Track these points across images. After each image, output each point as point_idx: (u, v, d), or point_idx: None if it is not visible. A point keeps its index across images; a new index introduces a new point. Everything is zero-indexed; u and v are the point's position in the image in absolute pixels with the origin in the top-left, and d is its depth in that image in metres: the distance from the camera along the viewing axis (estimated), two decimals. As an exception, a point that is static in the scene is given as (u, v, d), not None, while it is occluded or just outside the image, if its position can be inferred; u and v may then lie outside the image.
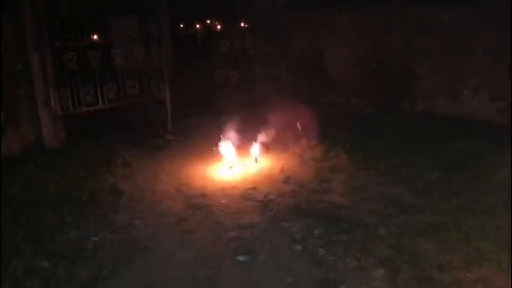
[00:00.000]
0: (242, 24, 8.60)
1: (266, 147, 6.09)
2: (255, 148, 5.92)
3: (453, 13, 6.77)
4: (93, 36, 6.87)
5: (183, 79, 7.59)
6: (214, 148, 5.88)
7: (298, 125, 6.43)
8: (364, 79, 7.70)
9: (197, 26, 9.96)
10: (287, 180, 5.22)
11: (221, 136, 6.04)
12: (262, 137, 6.24)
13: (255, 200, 4.78)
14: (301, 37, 8.54)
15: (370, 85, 7.58)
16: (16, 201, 4.85)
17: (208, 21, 9.46)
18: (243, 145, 6.00)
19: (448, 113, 6.99)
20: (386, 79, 7.40)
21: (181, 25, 10.31)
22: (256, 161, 5.75)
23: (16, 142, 6.34)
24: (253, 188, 5.04)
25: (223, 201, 4.81)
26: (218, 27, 8.49)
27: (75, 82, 6.61)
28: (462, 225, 3.94)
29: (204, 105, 7.69)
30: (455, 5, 6.74)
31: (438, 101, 7.12)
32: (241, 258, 3.74)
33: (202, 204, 4.75)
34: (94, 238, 4.14)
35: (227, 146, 5.82)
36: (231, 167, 5.62)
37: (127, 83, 7.10)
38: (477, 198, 4.46)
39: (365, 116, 7.45)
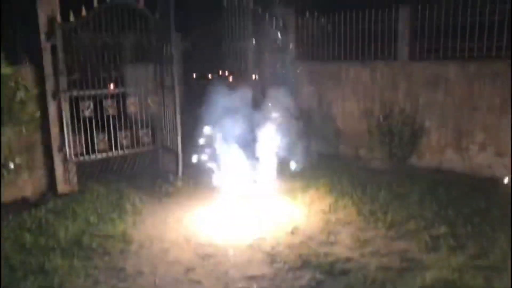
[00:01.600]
0: (253, 76, 8.90)
1: (274, 195, 6.19)
2: (263, 195, 6.01)
3: (458, 69, 6.98)
4: (109, 85, 7.13)
5: (194, 127, 7.77)
6: (223, 197, 5.98)
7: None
8: (371, 132, 7.84)
9: (209, 76, 10.31)
10: (295, 231, 5.26)
11: (230, 184, 6.14)
12: (270, 184, 6.34)
13: (263, 251, 4.82)
14: (310, 89, 8.77)
15: (377, 138, 7.71)
16: (27, 246, 4.93)
17: (220, 72, 9.79)
18: (252, 193, 6.11)
19: (455, 167, 7.07)
20: (393, 132, 7.53)
21: (194, 75, 10.68)
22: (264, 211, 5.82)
23: (29, 186, 6.49)
24: (261, 239, 5.09)
25: (231, 251, 4.85)
26: (230, 78, 8.77)
27: (90, 129, 6.82)
28: (470, 283, 3.95)
29: (216, 153, 7.83)
30: (461, 62, 6.96)
31: (445, 155, 7.21)
32: (249, 310, 3.75)
33: (210, 254, 4.80)
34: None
35: (236, 195, 5.92)
36: (240, 215, 5.69)
37: (140, 130, 7.31)
38: (484, 254, 4.47)
39: (373, 169, 7.54)
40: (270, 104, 8.36)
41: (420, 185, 6.47)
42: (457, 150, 7.10)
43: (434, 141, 7.34)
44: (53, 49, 6.38)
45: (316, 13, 8.70)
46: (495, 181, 6.46)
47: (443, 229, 5.05)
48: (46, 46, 6.35)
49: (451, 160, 7.16)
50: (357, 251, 4.75)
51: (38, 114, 6.11)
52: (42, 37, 6.33)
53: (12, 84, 5.61)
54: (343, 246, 4.87)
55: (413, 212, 5.57)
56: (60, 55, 6.41)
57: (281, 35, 8.93)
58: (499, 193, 6.04)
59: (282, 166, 7.06)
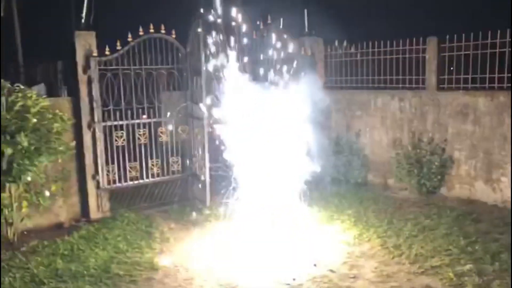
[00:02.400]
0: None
1: (299, 225, 6.23)
2: (288, 225, 6.07)
3: (488, 100, 6.91)
4: (142, 115, 7.41)
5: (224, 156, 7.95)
6: (248, 226, 6.07)
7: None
8: (400, 161, 7.81)
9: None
10: (318, 263, 5.29)
11: (255, 212, 6.23)
12: (295, 213, 6.40)
13: (284, 283, 4.87)
14: (338, 118, 8.84)
15: (406, 168, 7.66)
16: (59, 272, 5.15)
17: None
18: (277, 222, 6.17)
19: (485, 199, 6.95)
20: (422, 162, 7.48)
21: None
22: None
23: (64, 212, 6.79)
24: (284, 270, 5.13)
25: (253, 282, 4.93)
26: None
27: (122, 157, 7.09)
28: (493, 324, 3.88)
29: (244, 181, 7.96)
30: (490, 92, 6.90)
31: (475, 186, 7.10)
32: None
33: (232, 285, 4.88)
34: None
35: (261, 224, 6.00)
36: (263, 245, 5.76)
37: (170, 158, 7.54)
38: (510, 294, 4.38)
39: (401, 199, 7.48)
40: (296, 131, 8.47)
41: (448, 218, 6.38)
42: (488, 181, 6.98)
43: (464, 171, 7.24)
44: (89, 81, 6.74)
45: (345, 42, 8.81)
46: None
47: (468, 266, 4.96)
48: (82, 78, 6.71)
49: (482, 191, 7.04)
50: (379, 286, 4.73)
51: (73, 144, 6.42)
52: (79, 70, 6.69)
53: (50, 115, 5.93)
54: (365, 281, 4.86)
55: (439, 246, 5.49)
56: (96, 87, 6.75)
57: (310, 63, 9.06)
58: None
59: (309, 194, 7.09)
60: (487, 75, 6.95)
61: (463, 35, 7.15)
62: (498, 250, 5.30)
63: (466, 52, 7.14)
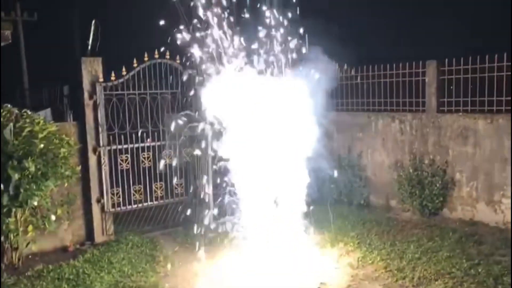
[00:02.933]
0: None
1: (303, 247, 6.26)
2: (292, 247, 6.10)
3: (487, 123, 7.00)
4: (146, 138, 7.50)
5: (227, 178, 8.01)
6: (251, 248, 6.10)
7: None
8: (401, 183, 7.86)
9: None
10: (322, 286, 5.31)
11: (257, 234, 6.27)
12: (299, 235, 6.43)
13: (289, 307, 4.89)
14: (340, 139, 8.93)
15: (408, 189, 7.72)
16: (64, 297, 5.19)
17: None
18: (281, 245, 6.20)
19: (487, 220, 6.99)
20: (424, 184, 7.54)
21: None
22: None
23: (69, 236, 6.84)
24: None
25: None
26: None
27: (127, 181, 7.17)
28: None
29: (248, 203, 8.01)
30: (489, 115, 7.00)
31: (477, 208, 7.15)
32: None
33: (237, 309, 4.91)
34: None
35: (264, 246, 6.04)
36: (267, 268, 5.78)
37: (174, 181, 7.60)
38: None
39: (404, 220, 7.52)
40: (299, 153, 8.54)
41: (451, 239, 6.41)
42: (489, 203, 7.03)
43: (465, 193, 7.30)
44: (95, 106, 6.86)
45: (345, 65, 8.96)
46: (530, 236, 6.35)
47: (472, 288, 4.99)
48: (88, 104, 6.83)
49: (484, 213, 7.09)
50: (384, 309, 4.76)
51: (79, 168, 6.50)
52: (85, 95, 6.82)
53: (57, 141, 6.02)
54: (369, 304, 4.89)
55: (442, 269, 5.52)
56: (102, 111, 6.87)
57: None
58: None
59: (311, 216, 7.12)
60: (486, 98, 7.06)
61: (462, 59, 7.29)
62: (501, 272, 5.33)
63: (465, 76, 7.27)
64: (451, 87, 7.57)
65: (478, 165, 7.12)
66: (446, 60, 7.50)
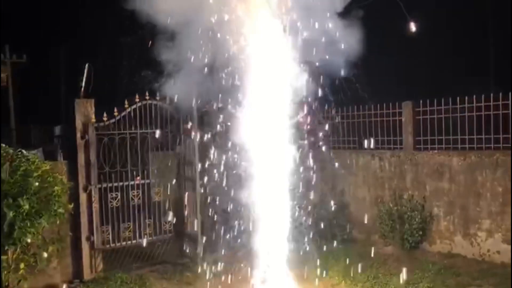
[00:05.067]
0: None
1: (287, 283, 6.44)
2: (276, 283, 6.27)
3: (461, 159, 7.43)
4: (136, 177, 7.70)
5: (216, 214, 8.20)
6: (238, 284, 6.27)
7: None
8: (383, 218, 8.18)
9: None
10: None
11: (250, 270, 6.46)
12: (283, 271, 6.62)
13: None
14: (323, 176, 9.24)
15: (389, 224, 8.02)
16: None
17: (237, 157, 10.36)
18: (266, 279, 6.39)
19: (465, 253, 7.31)
20: (404, 218, 7.86)
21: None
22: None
23: (58, 274, 6.90)
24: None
25: None
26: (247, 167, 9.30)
27: (116, 218, 7.31)
28: None
29: (236, 240, 8.18)
30: (462, 152, 7.43)
31: (455, 241, 7.48)
32: None
33: None
34: None
35: (251, 281, 6.21)
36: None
37: (163, 218, 7.77)
38: None
39: (385, 254, 7.78)
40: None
41: (431, 271, 6.69)
42: (466, 236, 7.37)
43: (443, 227, 7.64)
44: (86, 146, 7.07)
45: (326, 106, 9.40)
46: (505, 267, 6.66)
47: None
48: (80, 143, 7.04)
49: (461, 246, 7.41)
50: None
51: (71, 206, 6.65)
52: (78, 135, 7.04)
53: (50, 179, 6.19)
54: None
55: (423, 299, 5.78)
56: (93, 151, 7.09)
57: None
58: (508, 279, 6.22)
59: (295, 251, 7.32)
60: (459, 136, 7.52)
61: (435, 100, 7.78)
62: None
63: (439, 116, 7.75)
64: (427, 127, 8.03)
65: (453, 200, 7.50)
66: (421, 101, 7.99)
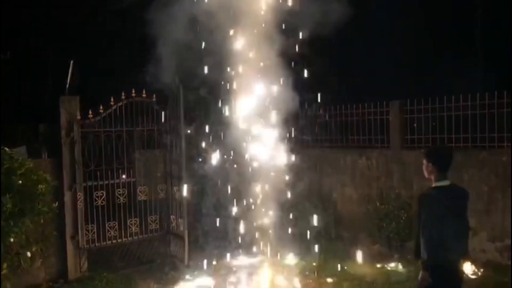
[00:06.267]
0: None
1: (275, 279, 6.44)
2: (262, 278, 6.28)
3: (448, 158, 7.48)
4: (121, 175, 7.64)
5: (202, 214, 8.16)
6: (228, 283, 6.24)
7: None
8: (370, 216, 8.21)
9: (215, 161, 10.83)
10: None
11: (235, 269, 6.44)
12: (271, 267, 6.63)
13: None
14: (311, 174, 9.25)
15: (375, 222, 8.05)
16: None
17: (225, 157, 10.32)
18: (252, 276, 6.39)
19: (451, 251, 7.36)
20: (391, 217, 7.89)
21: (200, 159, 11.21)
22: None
23: (42, 273, 6.81)
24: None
25: None
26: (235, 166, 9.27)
27: (102, 217, 7.24)
28: None
29: (222, 239, 8.15)
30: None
31: (441, 239, 7.53)
32: None
33: None
34: None
35: (238, 282, 6.19)
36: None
37: (149, 217, 7.71)
38: None
39: (373, 253, 7.81)
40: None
41: (416, 271, 6.70)
42: (452, 234, 7.42)
43: (429, 225, 7.68)
44: (71, 144, 6.98)
45: (314, 105, 9.42)
46: (490, 265, 6.74)
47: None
48: (65, 141, 6.96)
49: (447, 244, 7.46)
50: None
51: (56, 205, 6.56)
52: (63, 133, 6.95)
53: (34, 177, 6.10)
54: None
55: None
56: (78, 149, 7.00)
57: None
58: (493, 276, 6.29)
59: (281, 249, 7.32)
60: (445, 135, 7.58)
61: (422, 99, 7.83)
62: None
63: (426, 115, 7.80)
64: (414, 125, 8.08)
65: (440, 198, 7.55)
66: (408, 100, 8.04)
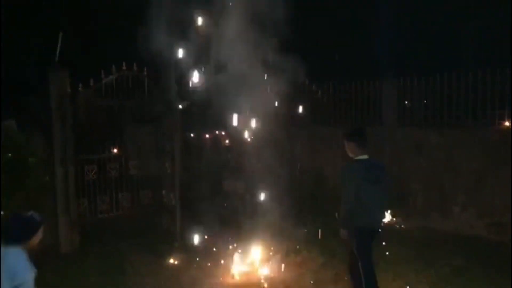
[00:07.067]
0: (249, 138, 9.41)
1: (269, 257, 6.54)
2: (258, 258, 6.36)
3: (439, 136, 7.55)
4: (113, 149, 7.62)
5: (193, 188, 8.20)
6: (222, 259, 6.34)
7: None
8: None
9: (206, 136, 10.83)
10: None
11: (228, 246, 6.53)
12: (265, 246, 6.72)
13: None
14: (302, 152, 9.30)
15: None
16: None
17: (217, 132, 10.33)
18: (247, 254, 6.48)
19: (439, 227, 7.50)
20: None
21: (192, 135, 11.20)
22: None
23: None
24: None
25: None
26: (227, 141, 9.29)
27: (93, 191, 7.25)
28: None
29: (213, 213, 8.22)
30: (441, 129, 7.54)
31: (430, 216, 7.66)
32: None
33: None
34: None
35: (233, 257, 6.29)
36: (232, 278, 6.03)
37: (141, 192, 7.73)
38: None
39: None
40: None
41: (406, 245, 6.86)
42: (442, 211, 7.55)
43: (420, 202, 7.80)
44: (62, 117, 6.92)
45: (306, 81, 9.39)
46: (477, 241, 6.89)
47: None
48: (56, 114, 6.88)
49: (436, 220, 7.60)
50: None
51: (47, 178, 6.55)
52: (53, 106, 6.87)
53: (26, 152, 6.07)
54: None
55: (398, 271, 5.95)
56: (69, 122, 6.94)
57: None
58: (480, 253, 6.44)
59: (272, 225, 7.40)
60: (438, 112, 7.62)
61: (416, 78, 7.83)
62: (452, 274, 5.83)
63: (420, 92, 7.82)
64: (406, 102, 8.11)
65: (431, 175, 7.64)
66: (401, 78, 8.03)
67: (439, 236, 7.26)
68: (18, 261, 3.36)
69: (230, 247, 6.70)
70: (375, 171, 4.74)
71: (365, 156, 4.75)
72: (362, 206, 4.58)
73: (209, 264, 6.42)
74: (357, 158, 4.76)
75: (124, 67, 7.41)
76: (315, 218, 8.50)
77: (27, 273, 3.38)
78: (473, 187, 7.16)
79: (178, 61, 6.80)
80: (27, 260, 3.47)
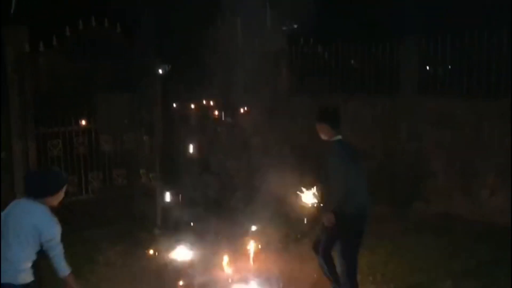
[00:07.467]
0: (242, 109, 9.34)
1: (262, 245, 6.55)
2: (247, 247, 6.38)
3: (466, 106, 7.48)
4: (80, 121, 7.51)
5: (176, 167, 8.15)
6: (204, 248, 6.34)
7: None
8: (371, 173, 8.24)
9: (192, 106, 10.73)
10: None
11: (212, 232, 6.51)
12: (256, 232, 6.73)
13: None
14: (305, 124, 9.22)
15: (378, 180, 8.11)
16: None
17: (204, 102, 10.22)
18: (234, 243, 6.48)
19: (464, 214, 7.49)
20: (395, 174, 7.96)
21: (174, 105, 11.09)
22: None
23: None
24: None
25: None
26: (216, 112, 9.21)
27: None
28: None
29: (199, 196, 8.18)
30: (468, 98, 7.47)
31: (453, 200, 7.64)
32: None
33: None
34: None
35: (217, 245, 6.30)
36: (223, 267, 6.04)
37: (114, 171, 7.66)
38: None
39: (375, 214, 7.91)
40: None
41: (425, 234, 6.87)
42: (466, 194, 7.53)
43: (441, 184, 7.78)
44: (20, 82, 6.80)
45: (311, 41, 9.26)
46: (508, 230, 6.88)
47: (447, 284, 5.44)
48: (12, 79, 6.76)
49: (460, 205, 7.58)
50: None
51: (3, 155, 6.47)
52: (9, 70, 6.75)
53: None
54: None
55: (416, 264, 5.95)
56: (28, 89, 6.83)
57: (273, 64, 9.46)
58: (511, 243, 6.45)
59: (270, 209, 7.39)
60: (465, 80, 7.53)
61: (440, 38, 7.71)
62: (478, 267, 5.84)
63: (444, 55, 7.72)
64: (428, 68, 8.02)
65: (455, 152, 7.59)
66: (424, 38, 7.90)
67: (463, 224, 7.27)
68: (44, 217, 3.73)
69: (219, 235, 6.68)
70: (356, 151, 5.05)
71: (340, 137, 4.94)
72: (354, 189, 4.75)
73: (187, 253, 6.41)
74: (334, 139, 4.92)
75: (93, 23, 7.26)
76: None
77: (55, 229, 3.79)
78: (506, 168, 7.11)
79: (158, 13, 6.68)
80: (53, 215, 3.80)
